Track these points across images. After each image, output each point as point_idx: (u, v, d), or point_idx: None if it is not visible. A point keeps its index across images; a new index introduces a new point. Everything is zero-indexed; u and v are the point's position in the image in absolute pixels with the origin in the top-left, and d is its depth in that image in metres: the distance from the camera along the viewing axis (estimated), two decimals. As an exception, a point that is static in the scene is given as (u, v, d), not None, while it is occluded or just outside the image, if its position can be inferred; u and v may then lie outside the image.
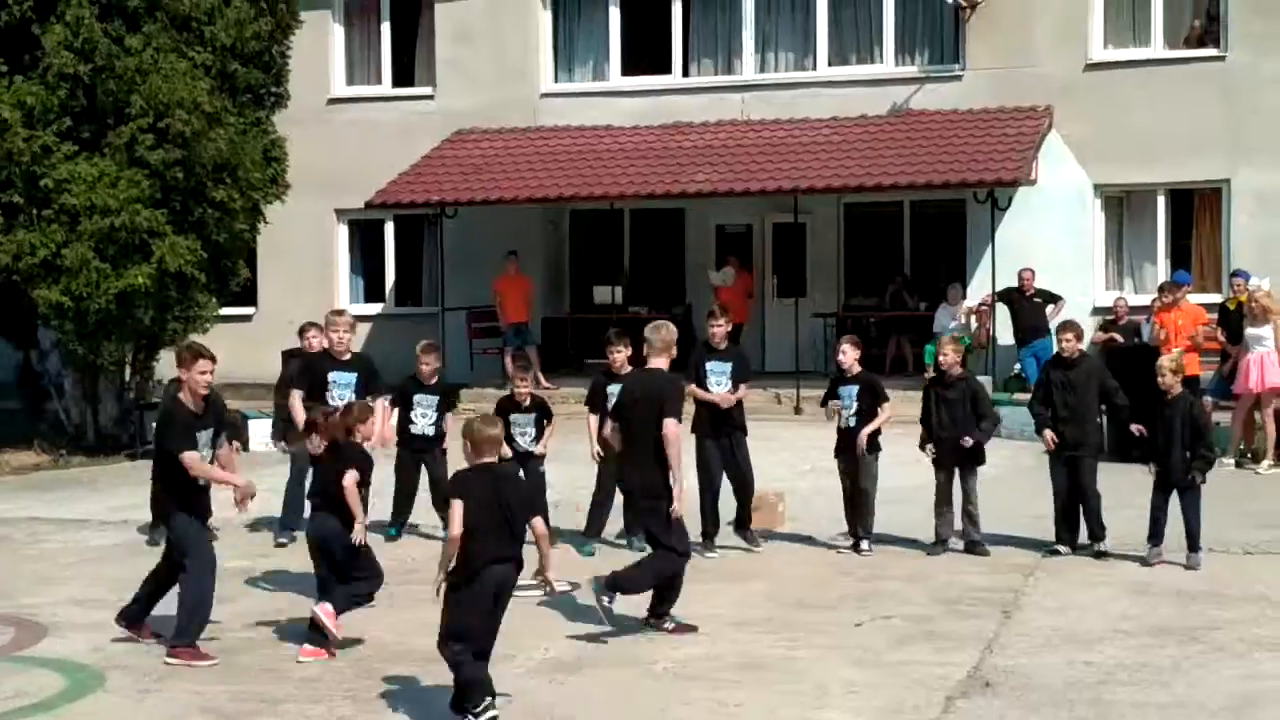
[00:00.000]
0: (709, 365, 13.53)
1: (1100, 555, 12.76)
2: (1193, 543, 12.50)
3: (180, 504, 10.25)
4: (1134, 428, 13.05)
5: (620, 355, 13.52)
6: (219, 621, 10.55)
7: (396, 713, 8.86)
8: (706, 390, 13.47)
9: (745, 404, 13.77)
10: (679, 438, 10.66)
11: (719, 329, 13.55)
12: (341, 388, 13.05)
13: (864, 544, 13.23)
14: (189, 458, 10.03)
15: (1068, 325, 13.53)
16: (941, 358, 13.41)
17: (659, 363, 11.06)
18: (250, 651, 10.30)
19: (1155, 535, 12.61)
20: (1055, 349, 13.84)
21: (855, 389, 13.25)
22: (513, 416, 13.37)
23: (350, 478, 10.33)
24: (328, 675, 9.67)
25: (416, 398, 14.01)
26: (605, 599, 10.43)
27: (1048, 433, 13.11)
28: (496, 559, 8.54)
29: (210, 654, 10.01)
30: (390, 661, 9.90)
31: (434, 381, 14.13)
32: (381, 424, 12.77)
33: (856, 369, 13.34)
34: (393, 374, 14.89)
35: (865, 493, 13.26)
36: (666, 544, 10.61)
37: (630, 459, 10.96)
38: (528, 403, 13.57)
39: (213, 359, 10.32)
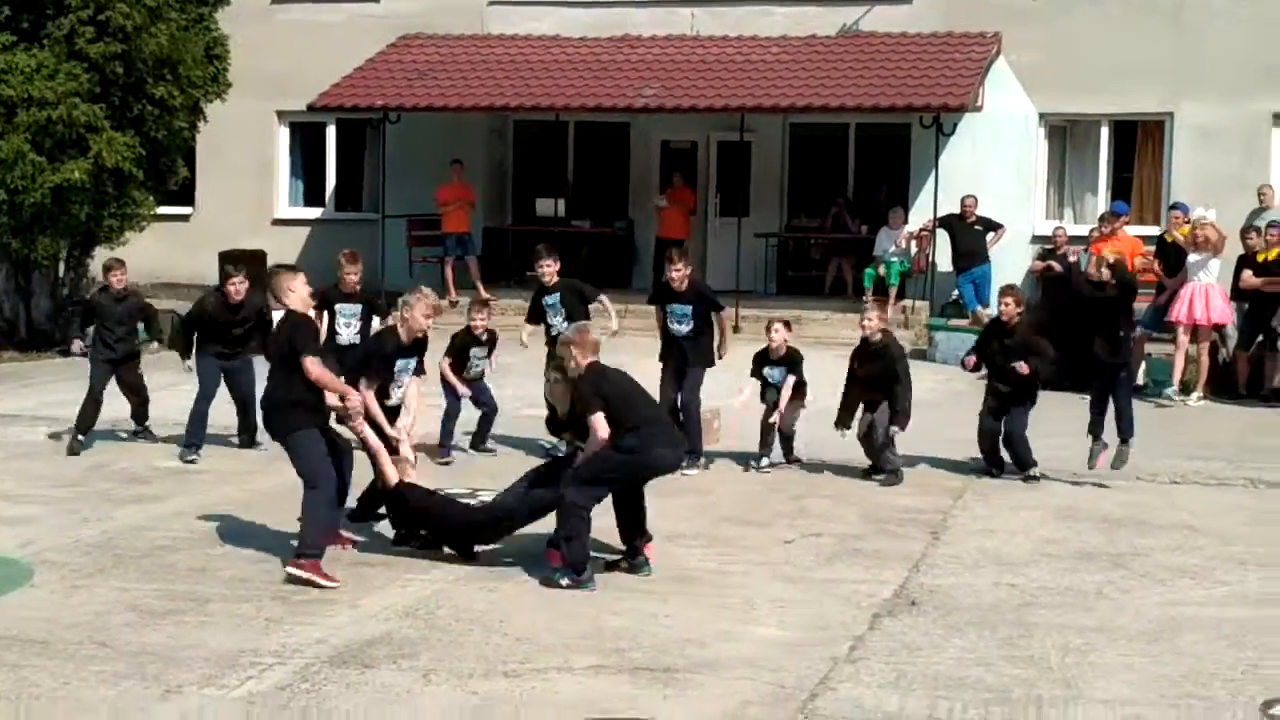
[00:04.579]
0: (669, 308, 13.41)
1: (1029, 479, 12.94)
2: (1124, 432, 12.82)
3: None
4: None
5: (549, 268, 13.61)
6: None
7: (326, 613, 8.86)
8: (669, 329, 13.37)
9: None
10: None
11: (677, 273, 13.31)
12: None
13: (764, 461, 13.49)
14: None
15: (1008, 290, 13.29)
16: (865, 323, 13.12)
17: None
18: (179, 551, 10.27)
19: (1094, 432, 12.94)
20: (997, 312, 13.60)
21: (782, 370, 13.43)
22: (472, 350, 13.74)
23: None
24: (257, 575, 9.66)
25: (339, 306, 13.93)
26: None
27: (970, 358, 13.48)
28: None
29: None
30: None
31: (356, 291, 14.08)
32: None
33: (784, 351, 13.43)
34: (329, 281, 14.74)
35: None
36: None
37: None
38: (485, 338, 13.87)
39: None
